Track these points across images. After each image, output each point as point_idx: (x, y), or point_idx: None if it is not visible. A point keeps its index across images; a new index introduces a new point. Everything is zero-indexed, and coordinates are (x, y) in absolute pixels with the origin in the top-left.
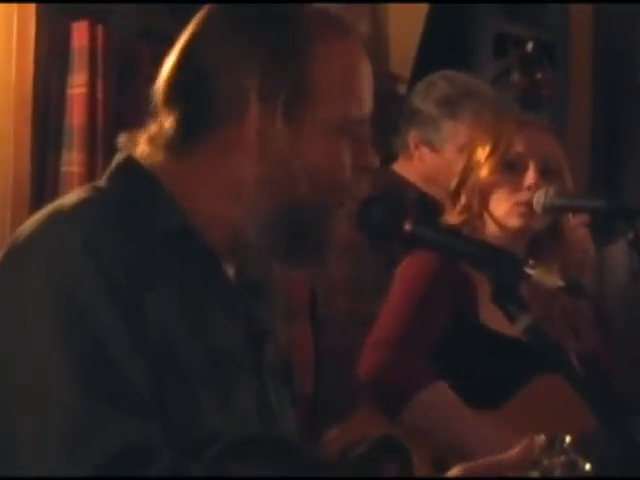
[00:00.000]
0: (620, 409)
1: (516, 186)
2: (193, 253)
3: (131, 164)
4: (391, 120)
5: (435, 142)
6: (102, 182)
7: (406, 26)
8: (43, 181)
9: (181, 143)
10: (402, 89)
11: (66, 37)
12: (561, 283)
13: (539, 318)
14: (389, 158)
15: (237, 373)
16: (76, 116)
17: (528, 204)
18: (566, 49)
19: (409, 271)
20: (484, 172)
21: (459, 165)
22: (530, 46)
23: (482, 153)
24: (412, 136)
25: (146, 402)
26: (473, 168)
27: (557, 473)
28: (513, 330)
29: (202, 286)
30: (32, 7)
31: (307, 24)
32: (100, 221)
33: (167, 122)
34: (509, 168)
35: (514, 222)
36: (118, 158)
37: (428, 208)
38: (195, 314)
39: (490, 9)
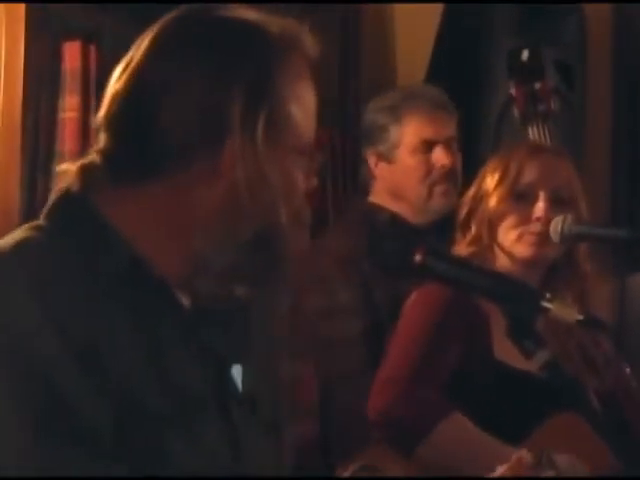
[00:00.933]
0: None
1: (525, 216)
2: (145, 287)
3: (71, 199)
4: None
5: (388, 153)
6: (41, 220)
7: (416, 42)
8: (33, 210)
9: (133, 174)
10: None
11: (57, 58)
12: (580, 317)
13: (556, 354)
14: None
15: (200, 407)
16: (68, 141)
17: (537, 234)
18: (584, 66)
19: (418, 305)
20: (493, 201)
21: (415, 174)
22: (525, 55)
23: (491, 182)
24: (369, 154)
25: (106, 444)
26: (482, 197)
27: None
28: (529, 365)
29: (157, 321)
30: (21, 26)
31: (274, 48)
32: (44, 263)
33: (116, 150)
34: (519, 198)
35: (522, 252)
36: (56, 193)
37: (400, 229)
38: (152, 351)
39: (504, 25)
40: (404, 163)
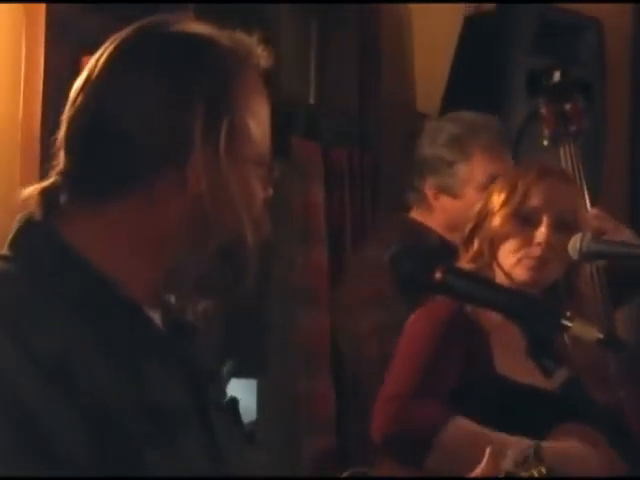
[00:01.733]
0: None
1: (526, 240)
2: (115, 308)
3: (33, 226)
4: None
5: (454, 188)
6: (5, 251)
7: (434, 60)
8: None
9: (95, 194)
10: None
11: (76, 70)
12: (600, 335)
13: (575, 371)
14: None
15: (180, 424)
16: None
17: (537, 259)
18: (602, 84)
19: (418, 324)
20: (496, 221)
21: (476, 208)
22: (557, 76)
23: (497, 201)
24: (428, 187)
25: (82, 467)
26: (487, 215)
27: None
28: (532, 378)
29: (130, 341)
30: (41, 39)
31: (229, 62)
32: (11, 294)
33: (77, 170)
34: (522, 221)
35: (520, 275)
36: (19, 221)
37: (450, 255)
38: (126, 371)
39: (522, 42)
40: (471, 198)
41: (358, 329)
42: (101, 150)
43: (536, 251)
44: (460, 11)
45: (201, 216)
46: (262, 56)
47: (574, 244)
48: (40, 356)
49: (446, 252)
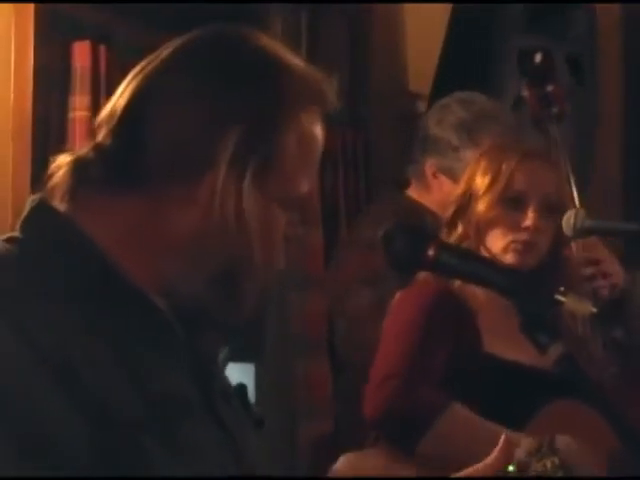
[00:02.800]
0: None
1: (514, 224)
2: (120, 293)
3: (44, 208)
4: (411, 139)
5: (457, 172)
6: (17, 232)
7: (425, 41)
8: None
9: (117, 186)
10: (422, 107)
11: (67, 58)
12: (594, 310)
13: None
14: (404, 182)
15: (185, 411)
16: (78, 141)
17: (525, 242)
18: (594, 59)
19: (404, 305)
20: (482, 206)
21: (458, 190)
22: (539, 57)
23: (481, 183)
24: (429, 165)
25: (83, 459)
26: (471, 197)
27: (551, 475)
28: (520, 355)
29: (135, 328)
30: (30, 26)
31: (290, 95)
32: (17, 279)
33: (105, 156)
34: (508, 204)
35: (509, 258)
36: (30, 203)
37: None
38: (131, 359)
39: (513, 22)
40: None
41: (353, 309)
42: (129, 142)
43: (524, 235)
44: None
45: (207, 234)
46: (330, 100)
47: (568, 220)
48: (40, 344)
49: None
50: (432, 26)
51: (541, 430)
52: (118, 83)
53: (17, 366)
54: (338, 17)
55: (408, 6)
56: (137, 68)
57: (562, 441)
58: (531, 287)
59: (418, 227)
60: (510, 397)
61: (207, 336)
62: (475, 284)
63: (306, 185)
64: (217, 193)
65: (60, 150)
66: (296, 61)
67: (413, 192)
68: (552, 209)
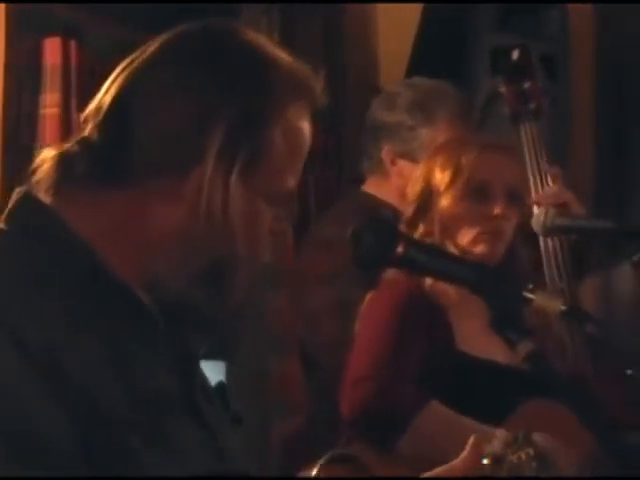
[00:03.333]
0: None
1: (482, 215)
2: (107, 289)
3: (30, 201)
4: None
5: (415, 152)
6: (1, 224)
7: (398, 39)
8: None
9: (103, 181)
10: None
11: (37, 54)
12: (563, 307)
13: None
14: (359, 179)
15: (170, 409)
16: (49, 138)
17: (494, 232)
18: (567, 59)
19: (377, 305)
20: (446, 201)
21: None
22: (516, 54)
23: (442, 178)
24: (386, 151)
25: (77, 465)
26: (432, 194)
27: (526, 467)
28: (495, 353)
29: (119, 322)
30: (1, 22)
31: (277, 90)
32: (4, 270)
33: (89, 152)
34: (473, 197)
35: (479, 249)
36: (17, 195)
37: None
38: (117, 357)
39: (485, 21)
40: None
41: (310, 308)
42: (116, 137)
43: (493, 224)
44: None
45: (192, 229)
46: (319, 95)
47: (538, 219)
48: (26, 340)
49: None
50: (404, 24)
51: (517, 425)
52: (89, 80)
53: (3, 364)
54: (311, 16)
55: (380, 5)
56: (123, 63)
57: (538, 435)
58: (500, 284)
59: (385, 224)
60: (484, 395)
61: (190, 332)
62: (444, 280)
63: (292, 180)
64: (204, 188)
65: (31, 146)
66: (283, 56)
67: (371, 187)
68: (515, 198)
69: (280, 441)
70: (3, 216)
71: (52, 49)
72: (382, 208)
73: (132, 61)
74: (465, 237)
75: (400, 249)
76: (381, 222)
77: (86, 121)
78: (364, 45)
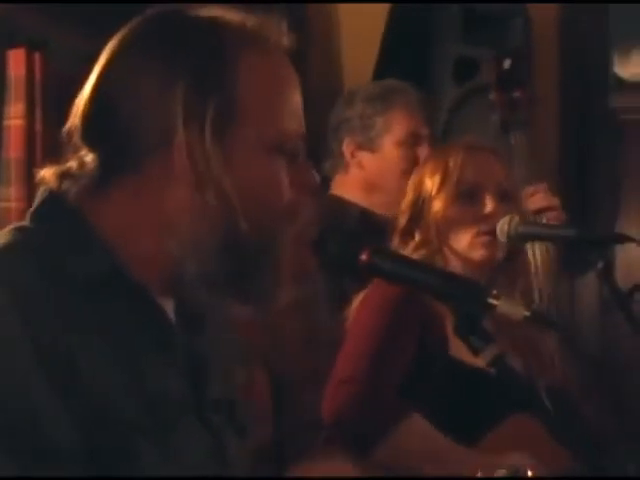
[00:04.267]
0: (591, 443)
1: (475, 216)
2: (125, 294)
3: (56, 201)
4: None
5: (372, 141)
6: (26, 222)
7: (361, 49)
8: None
9: (105, 179)
10: None
11: (2, 65)
12: (527, 313)
13: (505, 351)
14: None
15: (178, 415)
16: (13, 149)
17: (491, 233)
18: (530, 73)
19: (370, 303)
20: (438, 205)
21: (400, 165)
22: (507, 63)
23: (432, 184)
24: (346, 144)
25: (77, 458)
26: (424, 202)
27: None
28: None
29: (136, 328)
30: None
31: (227, 42)
32: (25, 268)
33: (88, 157)
34: (465, 198)
35: (479, 254)
36: (42, 194)
37: (371, 225)
38: (130, 359)
39: (450, 31)
40: (389, 153)
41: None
42: (108, 133)
43: (488, 225)
44: None
45: (198, 207)
46: (279, 37)
47: (502, 227)
48: (44, 340)
49: (368, 225)
50: (369, 30)
51: (500, 442)
52: (53, 91)
53: (18, 362)
54: (273, 22)
55: (345, 9)
56: (96, 66)
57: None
58: (464, 290)
59: (350, 230)
60: (473, 405)
61: (206, 340)
62: (409, 287)
63: (291, 122)
64: (183, 155)
65: None
66: (235, 15)
67: (337, 187)
68: (505, 197)
69: (247, 452)
70: (28, 214)
71: (16, 61)
72: (349, 209)
73: (99, 62)
74: (462, 241)
75: (364, 256)
76: (343, 228)
77: (75, 129)
78: (328, 51)
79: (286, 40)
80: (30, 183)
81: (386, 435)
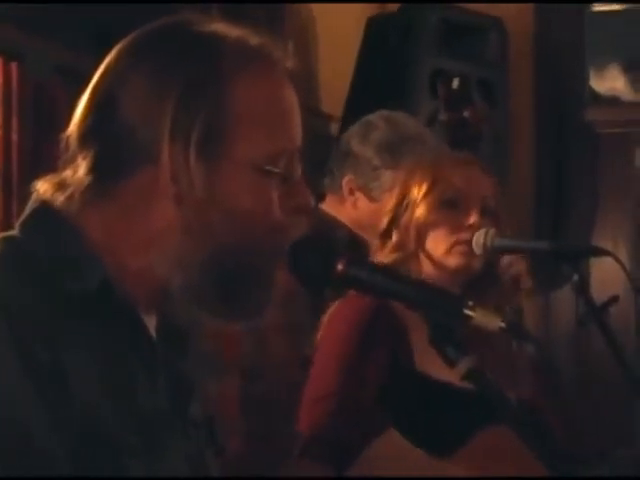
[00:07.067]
0: (563, 455)
1: (456, 224)
2: (112, 309)
3: (48, 211)
4: (321, 161)
5: (374, 191)
6: (16, 231)
7: (338, 62)
8: None
9: (97, 191)
10: (334, 129)
11: None
12: (502, 325)
13: (479, 362)
14: (319, 195)
15: (163, 433)
16: None
17: (469, 243)
18: (505, 83)
19: (339, 319)
20: (421, 210)
21: (392, 202)
22: (456, 83)
23: (418, 191)
24: (347, 180)
25: (63, 471)
26: (407, 206)
27: None
28: (451, 376)
29: (122, 344)
30: None
31: (225, 57)
32: (14, 279)
33: (81, 168)
34: (449, 206)
35: (454, 262)
36: (33, 204)
37: (360, 249)
38: (117, 375)
39: (427, 45)
40: (388, 206)
41: (260, 327)
42: (102, 146)
43: (467, 235)
44: (363, 12)
45: (183, 223)
46: (278, 54)
47: (478, 239)
48: (32, 353)
49: (355, 246)
50: (344, 47)
51: (472, 456)
52: (30, 101)
53: (5, 376)
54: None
55: (320, 26)
56: (94, 75)
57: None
58: (439, 300)
59: (326, 242)
60: (441, 419)
61: (187, 357)
62: (385, 297)
63: (284, 141)
64: (171, 173)
65: None
66: (235, 31)
67: (328, 205)
68: (488, 212)
69: (217, 462)
70: (18, 224)
71: None
72: (338, 228)
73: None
74: (439, 248)
75: (340, 267)
76: (320, 240)
77: (72, 138)
78: (304, 68)
79: (290, 62)
80: (6, 194)
81: (361, 452)
